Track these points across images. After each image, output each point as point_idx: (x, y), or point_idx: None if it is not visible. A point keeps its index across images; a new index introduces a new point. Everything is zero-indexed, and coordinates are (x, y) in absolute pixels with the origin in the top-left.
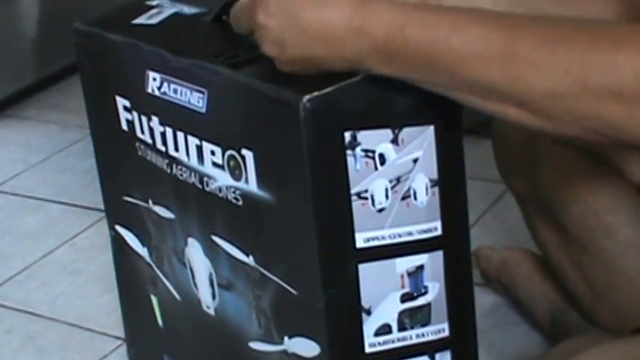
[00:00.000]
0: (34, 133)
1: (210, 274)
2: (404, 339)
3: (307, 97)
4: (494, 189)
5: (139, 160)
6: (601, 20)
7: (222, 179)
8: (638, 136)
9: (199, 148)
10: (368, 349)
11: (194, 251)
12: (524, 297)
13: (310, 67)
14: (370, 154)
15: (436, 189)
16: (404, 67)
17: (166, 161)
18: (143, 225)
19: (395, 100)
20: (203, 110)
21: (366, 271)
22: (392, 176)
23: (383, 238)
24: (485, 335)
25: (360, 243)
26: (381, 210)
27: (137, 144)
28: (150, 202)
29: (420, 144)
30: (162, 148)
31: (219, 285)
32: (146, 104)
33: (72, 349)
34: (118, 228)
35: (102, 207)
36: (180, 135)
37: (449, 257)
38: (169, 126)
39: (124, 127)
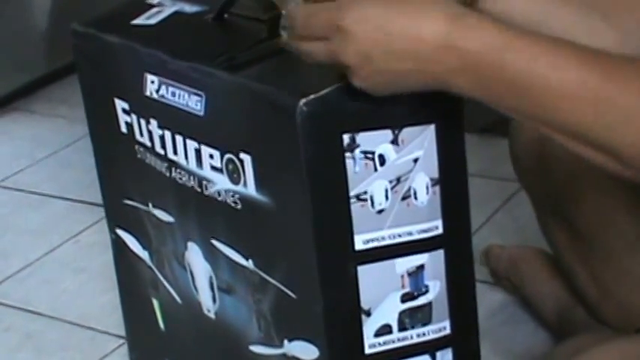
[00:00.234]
0: (42, 127)
1: (211, 278)
2: (404, 339)
3: (304, 100)
4: (508, 187)
5: (138, 162)
6: None
7: (220, 183)
8: None
9: (198, 152)
10: (368, 350)
11: (194, 255)
12: (533, 295)
13: (392, 83)
14: (370, 156)
15: (437, 188)
16: (493, 91)
17: (165, 164)
18: (143, 228)
19: (395, 101)
20: (201, 113)
21: (366, 272)
22: (392, 177)
23: (383, 239)
24: (492, 333)
25: (359, 245)
26: (380, 211)
27: (136, 147)
28: (150, 205)
29: (420, 143)
30: (161, 152)
31: (219, 289)
32: (145, 107)
33: (72, 348)
34: (119, 231)
35: None
36: (178, 138)
37: (450, 255)
38: (168, 129)
39: (123, 129)
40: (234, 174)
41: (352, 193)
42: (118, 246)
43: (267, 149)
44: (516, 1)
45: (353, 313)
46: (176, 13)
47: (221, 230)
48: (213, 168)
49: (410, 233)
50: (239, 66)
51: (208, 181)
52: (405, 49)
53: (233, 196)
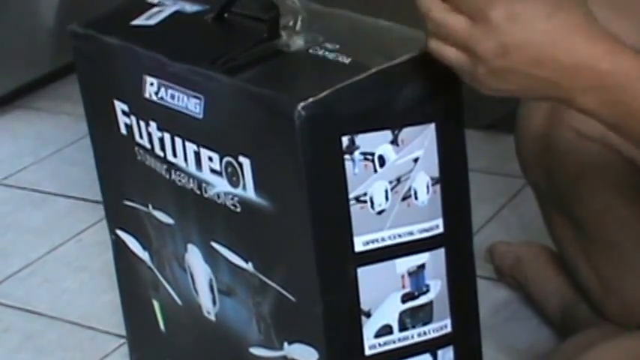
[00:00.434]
0: (46, 124)
1: (211, 280)
2: (405, 338)
3: (302, 104)
4: (514, 184)
5: (138, 164)
6: None
7: (220, 185)
8: None
9: (197, 154)
10: (368, 351)
11: (194, 257)
12: (537, 292)
13: (515, 87)
14: (369, 157)
15: (438, 187)
16: (620, 115)
17: (165, 166)
18: (144, 229)
19: (394, 101)
20: (200, 116)
21: (366, 274)
22: (392, 177)
23: (383, 239)
24: (496, 330)
25: (358, 247)
26: (380, 212)
27: (136, 148)
28: (150, 206)
29: (420, 143)
30: (161, 154)
31: (219, 291)
32: (144, 109)
33: (72, 348)
34: (119, 232)
35: None
36: (178, 141)
37: (451, 254)
38: (167, 131)
39: (123, 131)
40: (234, 177)
41: (352, 195)
42: (119, 247)
43: (267, 152)
44: None
45: (353, 314)
46: (176, 13)
47: (221, 233)
48: (213, 171)
49: (410, 233)
50: (238, 68)
51: (207, 183)
52: (552, 59)
53: (232, 199)
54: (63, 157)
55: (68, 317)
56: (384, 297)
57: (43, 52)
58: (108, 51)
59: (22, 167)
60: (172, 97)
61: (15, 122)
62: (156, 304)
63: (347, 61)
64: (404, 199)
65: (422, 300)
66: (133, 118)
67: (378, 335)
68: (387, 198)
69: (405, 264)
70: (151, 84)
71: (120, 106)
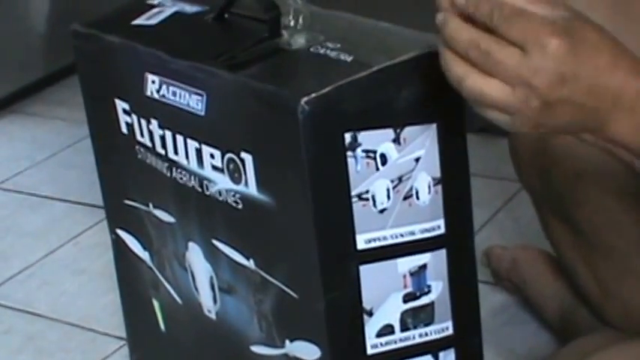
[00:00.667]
0: (41, 129)
1: (211, 278)
2: (407, 339)
3: (305, 99)
4: (509, 187)
5: (139, 163)
6: None
7: (221, 183)
8: None
9: (199, 152)
10: (370, 351)
11: (195, 255)
12: (535, 295)
13: (565, 120)
14: (371, 155)
15: (439, 187)
16: None
17: (166, 164)
18: (144, 229)
19: (396, 99)
20: (202, 113)
21: (368, 272)
22: (393, 176)
23: (384, 238)
24: (494, 334)
25: (361, 244)
26: (382, 210)
27: (137, 147)
28: (150, 205)
29: (422, 142)
30: (162, 152)
31: (220, 289)
32: (145, 107)
33: (73, 349)
34: (119, 232)
35: None
36: (179, 138)
37: (453, 255)
38: (169, 129)
39: (124, 130)
40: (235, 173)
41: (354, 193)
42: (119, 246)
43: (269, 148)
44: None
45: (355, 313)
46: (177, 14)
47: (222, 230)
48: (214, 168)
49: (412, 233)
50: (240, 65)
51: (209, 180)
52: (602, 85)
53: (234, 196)
54: (59, 161)
55: (68, 319)
56: (386, 296)
57: (37, 57)
58: (109, 50)
59: (19, 171)
60: (174, 94)
61: (10, 126)
62: (156, 303)
63: (349, 59)
64: (405, 198)
65: (423, 300)
66: (134, 117)
67: (379, 335)
68: (388, 197)
69: (407, 264)
70: (153, 81)
71: (121, 104)
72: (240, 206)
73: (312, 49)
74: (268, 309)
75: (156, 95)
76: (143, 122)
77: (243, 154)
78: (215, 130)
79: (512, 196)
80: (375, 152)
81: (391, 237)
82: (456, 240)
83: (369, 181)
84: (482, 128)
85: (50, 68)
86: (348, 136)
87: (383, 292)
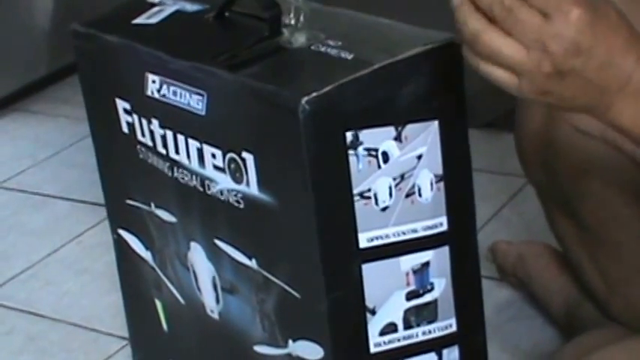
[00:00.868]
0: (44, 127)
1: (214, 278)
2: (410, 337)
3: (306, 98)
4: (514, 182)
5: (140, 163)
6: None
7: (223, 182)
8: None
9: (200, 151)
10: (373, 349)
11: (197, 255)
12: (540, 291)
13: (572, 92)
14: (373, 153)
15: (441, 184)
16: None
17: (167, 164)
18: (146, 228)
19: (398, 97)
20: (203, 113)
21: (370, 271)
22: (395, 174)
23: (387, 236)
24: (499, 330)
25: (363, 243)
26: (384, 209)
27: (138, 147)
28: (152, 205)
29: (424, 140)
30: (163, 151)
31: (222, 289)
32: (146, 107)
33: (75, 350)
34: (121, 232)
35: None
36: (180, 138)
37: (455, 252)
38: (169, 129)
39: (125, 129)
40: (237, 173)
41: (356, 191)
42: (121, 247)
43: (270, 148)
44: None
45: (358, 311)
46: (177, 12)
47: (224, 230)
48: (216, 167)
49: (414, 230)
50: (240, 65)
51: (211, 180)
52: (616, 63)
53: (236, 196)
54: (62, 159)
55: (71, 319)
56: (389, 294)
57: (40, 55)
58: (109, 49)
59: (22, 170)
60: (174, 94)
61: (13, 125)
62: (158, 303)
63: (349, 57)
64: (407, 196)
65: (426, 298)
66: (135, 117)
67: (382, 333)
68: (390, 195)
69: (410, 261)
70: (153, 81)
71: (122, 104)
72: (241, 206)
73: (312, 48)
74: (271, 309)
75: (156, 95)
76: (144, 122)
77: (245, 154)
78: (216, 129)
79: (518, 191)
80: (376, 150)
81: (393, 235)
82: (459, 237)
83: (371, 180)
84: (487, 124)
85: (53, 66)
86: (349, 135)
87: (386, 290)
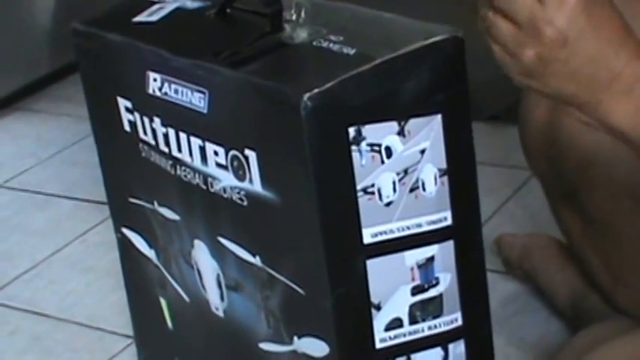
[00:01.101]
0: (46, 126)
1: (218, 276)
2: (416, 332)
3: (308, 94)
4: (519, 175)
5: (142, 161)
6: None
7: (226, 180)
8: None
9: (202, 149)
10: (379, 345)
11: (201, 253)
12: (546, 283)
13: (560, 81)
14: (376, 148)
15: (445, 178)
16: None
17: (170, 162)
18: (149, 227)
19: (400, 92)
20: (205, 110)
21: (375, 266)
22: (399, 169)
23: (391, 231)
24: (505, 323)
25: (367, 239)
26: (388, 204)
27: (140, 145)
28: (155, 203)
29: (427, 134)
30: (166, 149)
31: (227, 286)
32: (147, 105)
33: (80, 349)
34: (125, 230)
35: None
36: (182, 136)
37: (460, 246)
38: (171, 127)
39: (127, 128)
40: (240, 170)
41: (359, 187)
42: (124, 245)
43: (272, 145)
44: None
45: (363, 307)
46: (178, 9)
47: (227, 227)
48: (218, 165)
49: (419, 225)
50: (242, 61)
51: (213, 178)
52: (602, 57)
53: (239, 193)
54: (64, 158)
55: (75, 318)
56: (394, 290)
57: (41, 54)
58: (110, 48)
59: (24, 169)
60: (176, 92)
61: (15, 124)
62: (163, 302)
63: (351, 52)
64: (411, 190)
65: (432, 293)
66: (137, 115)
67: (388, 328)
68: (394, 189)
69: (414, 256)
70: (155, 79)
71: (123, 103)
72: (245, 203)
73: (314, 43)
74: (276, 306)
75: (158, 93)
76: (146, 120)
77: (247, 151)
78: (218, 127)
79: (522, 184)
80: (379, 145)
81: (398, 230)
82: (464, 231)
83: (375, 175)
84: (492, 117)
85: (55, 65)
86: (352, 130)
87: (391, 285)
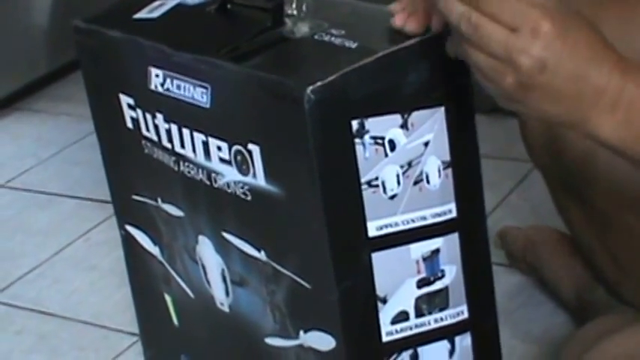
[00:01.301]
0: (46, 125)
1: (223, 271)
2: (422, 325)
3: (311, 87)
4: (521, 168)
5: (146, 158)
6: None
7: (229, 175)
8: None
9: (205, 144)
10: (385, 338)
11: (205, 248)
12: (550, 275)
13: (545, 105)
14: (379, 141)
15: (449, 171)
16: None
17: (173, 158)
18: (153, 224)
19: (403, 84)
20: (207, 105)
21: (380, 259)
22: (403, 161)
23: (396, 224)
24: (510, 316)
25: (372, 232)
26: (392, 197)
27: (143, 142)
28: (159, 200)
29: (430, 126)
30: (169, 146)
31: (232, 281)
32: (150, 101)
33: (86, 347)
34: (129, 227)
35: None
36: (185, 131)
37: (465, 239)
38: (174, 123)
39: (129, 125)
40: (243, 165)
41: (363, 180)
42: (128, 242)
43: (276, 139)
44: None
45: (368, 301)
46: (178, 5)
47: (232, 222)
48: (222, 160)
49: (423, 218)
50: (244, 56)
51: (217, 173)
52: (583, 75)
53: (243, 188)
54: (65, 157)
55: (80, 317)
56: (400, 283)
57: (40, 54)
58: (111, 45)
59: (25, 169)
60: (178, 87)
61: (15, 124)
62: (168, 298)
63: (353, 45)
64: (415, 183)
65: (437, 285)
66: (139, 111)
67: (394, 322)
68: (398, 182)
69: (420, 249)
70: (157, 75)
71: (125, 99)
72: (249, 198)
73: (316, 37)
74: (281, 300)
75: (160, 89)
76: (148, 117)
77: (251, 146)
78: (221, 122)
79: (525, 176)
80: (383, 138)
81: (402, 223)
82: (468, 223)
83: (379, 168)
84: (492, 109)
85: (55, 64)
86: (355, 124)
87: (396, 278)
